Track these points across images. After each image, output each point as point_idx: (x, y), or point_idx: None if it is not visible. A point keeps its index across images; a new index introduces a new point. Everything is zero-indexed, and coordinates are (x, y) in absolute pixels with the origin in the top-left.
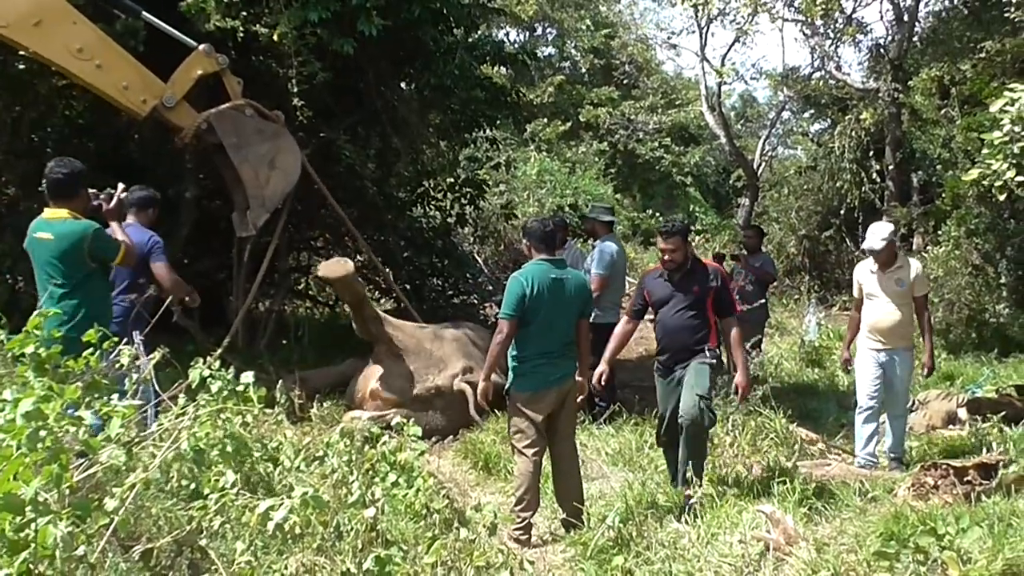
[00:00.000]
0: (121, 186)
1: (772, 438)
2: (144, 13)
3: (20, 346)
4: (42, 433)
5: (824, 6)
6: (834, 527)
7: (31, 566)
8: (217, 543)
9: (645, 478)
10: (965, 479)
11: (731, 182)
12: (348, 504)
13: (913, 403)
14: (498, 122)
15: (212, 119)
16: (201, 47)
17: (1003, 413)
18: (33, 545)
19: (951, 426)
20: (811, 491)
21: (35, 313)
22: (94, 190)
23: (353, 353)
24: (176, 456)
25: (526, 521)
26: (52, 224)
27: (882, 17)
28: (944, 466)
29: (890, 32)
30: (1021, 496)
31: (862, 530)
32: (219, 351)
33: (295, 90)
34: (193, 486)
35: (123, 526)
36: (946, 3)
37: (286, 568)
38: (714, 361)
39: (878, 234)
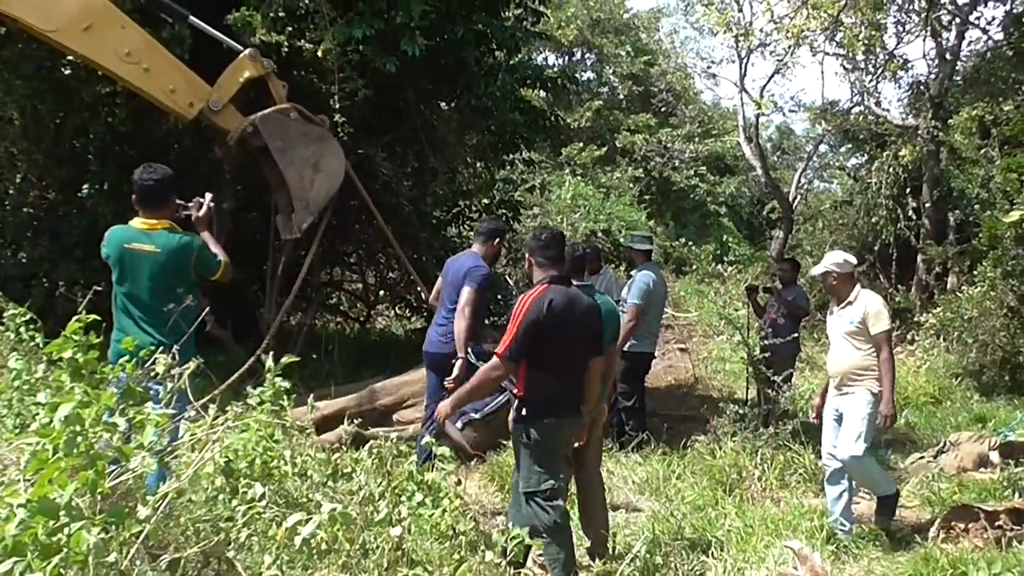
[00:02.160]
0: (209, 196)
1: (801, 474)
2: (191, 17)
3: (59, 350)
4: (78, 439)
5: (866, 41)
6: (862, 567)
7: (62, 571)
8: (244, 555)
9: (672, 508)
10: (996, 524)
11: (765, 213)
12: (375, 522)
13: (944, 444)
14: (535, 145)
15: (258, 122)
16: (247, 51)
17: None
18: (65, 550)
19: (982, 469)
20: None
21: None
22: (181, 201)
23: (382, 368)
24: (206, 466)
25: None
26: (153, 236)
27: (924, 55)
28: (975, 509)
29: (932, 70)
30: None
31: (890, 571)
32: (248, 363)
33: (336, 106)
34: (221, 497)
35: (154, 535)
36: (990, 43)
37: None
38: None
39: (824, 260)
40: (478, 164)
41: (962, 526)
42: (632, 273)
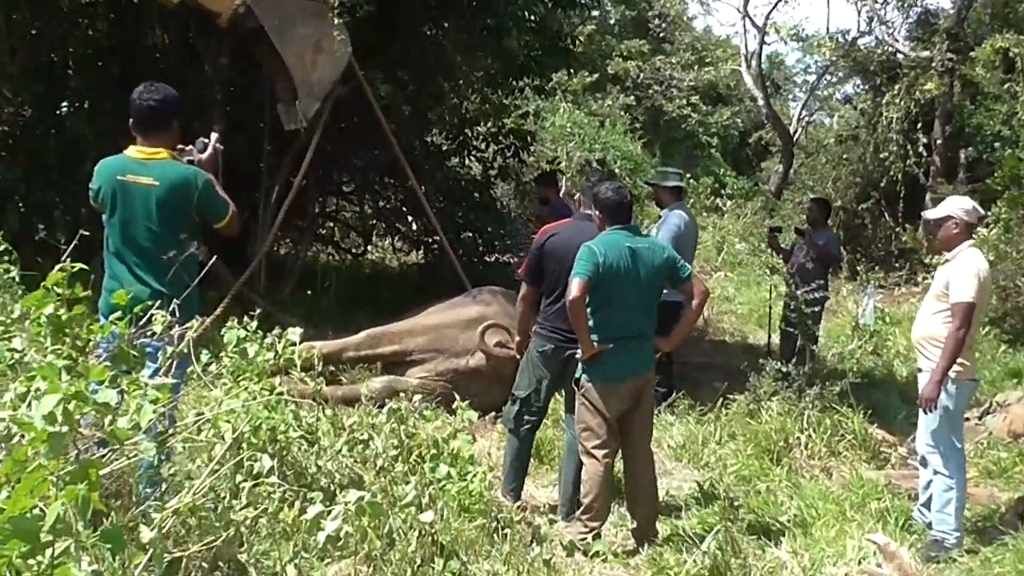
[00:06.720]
0: (215, 135)
1: (850, 440)
2: None
3: (38, 304)
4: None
5: None
6: (961, 568)
7: None
8: (256, 549)
9: (716, 479)
10: None
11: (752, 143)
12: (401, 505)
13: (990, 405)
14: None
15: (250, 1)
16: None
17: None
18: None
19: None
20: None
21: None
22: (182, 145)
23: (377, 305)
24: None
25: (595, 531)
26: (151, 166)
27: None
28: None
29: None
30: None
31: (988, 571)
32: (231, 292)
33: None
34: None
35: (158, 560)
36: None
37: None
38: None
39: (947, 203)
40: (486, 90)
41: None
42: (661, 213)
